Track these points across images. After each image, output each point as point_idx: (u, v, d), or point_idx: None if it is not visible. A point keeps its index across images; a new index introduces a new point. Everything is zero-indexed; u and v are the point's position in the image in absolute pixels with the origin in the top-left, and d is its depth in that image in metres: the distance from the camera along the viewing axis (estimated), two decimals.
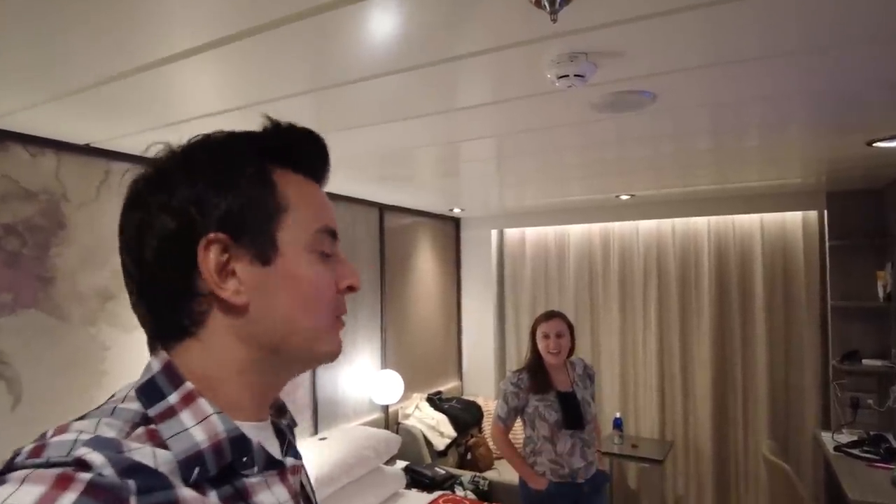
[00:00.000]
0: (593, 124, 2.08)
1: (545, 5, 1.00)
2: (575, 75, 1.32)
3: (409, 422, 3.96)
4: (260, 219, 0.57)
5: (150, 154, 0.59)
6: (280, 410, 0.68)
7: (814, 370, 3.84)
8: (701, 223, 4.24)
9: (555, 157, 2.75)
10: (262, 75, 1.53)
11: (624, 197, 3.97)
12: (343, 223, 3.66)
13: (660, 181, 3.42)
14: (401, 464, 3.53)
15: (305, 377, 3.31)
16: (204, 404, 0.54)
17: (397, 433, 3.65)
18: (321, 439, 3.10)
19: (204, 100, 1.73)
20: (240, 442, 0.54)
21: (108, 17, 1.18)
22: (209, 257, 0.55)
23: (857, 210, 3.58)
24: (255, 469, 0.55)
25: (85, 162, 2.20)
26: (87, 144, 2.17)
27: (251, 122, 0.61)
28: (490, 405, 4.45)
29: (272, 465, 0.58)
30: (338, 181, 3.19)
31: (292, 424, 0.70)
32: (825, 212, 3.71)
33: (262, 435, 0.60)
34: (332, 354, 0.62)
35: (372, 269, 3.96)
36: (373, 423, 3.73)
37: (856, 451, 3.08)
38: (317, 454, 2.83)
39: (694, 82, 1.65)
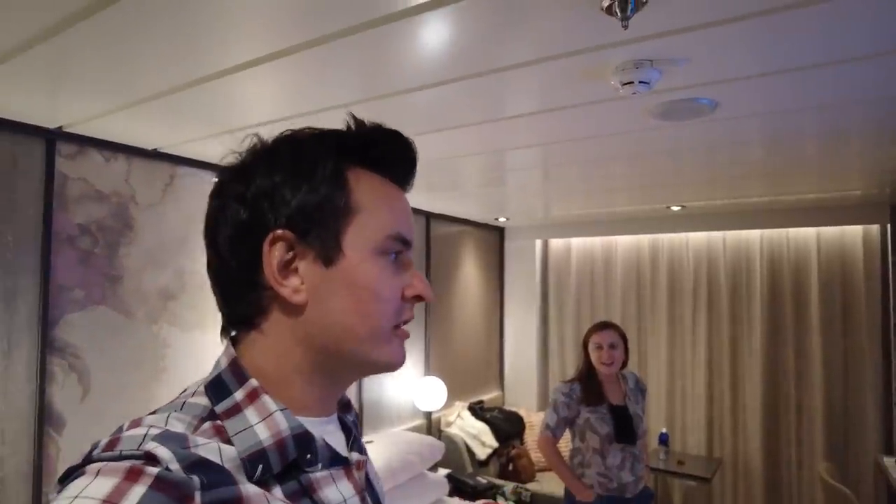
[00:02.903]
0: (647, 133, 2.06)
1: (616, 12, 1.00)
2: (640, 82, 1.31)
3: (451, 430, 3.96)
4: (328, 218, 0.56)
5: (243, 147, 0.61)
6: (346, 406, 0.69)
7: (875, 391, 3.67)
8: (753, 236, 4.12)
9: (604, 167, 2.73)
10: (317, 86, 1.59)
11: (674, 208, 3.89)
12: None
13: (713, 192, 3.34)
14: (443, 471, 3.53)
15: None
16: (268, 401, 0.54)
17: (440, 440, 3.66)
18: (367, 442, 3.14)
19: (261, 109, 1.80)
20: (303, 438, 0.54)
21: (175, 33, 1.25)
22: (273, 253, 0.55)
23: None
24: (320, 465, 0.56)
25: (152, 166, 2.30)
26: (155, 149, 2.27)
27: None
28: (532, 417, 4.41)
29: (337, 460, 0.59)
30: None
31: (357, 421, 0.70)
32: (888, 226, 3.55)
33: (327, 430, 0.60)
34: (391, 365, 0.60)
35: None
36: (415, 429, 3.75)
37: None
38: None
39: (755, 90, 1.63)
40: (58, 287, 2.00)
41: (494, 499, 3.43)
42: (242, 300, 0.58)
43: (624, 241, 4.62)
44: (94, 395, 2.09)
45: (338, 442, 0.62)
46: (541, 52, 1.36)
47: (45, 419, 1.95)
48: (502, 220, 4.65)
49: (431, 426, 3.90)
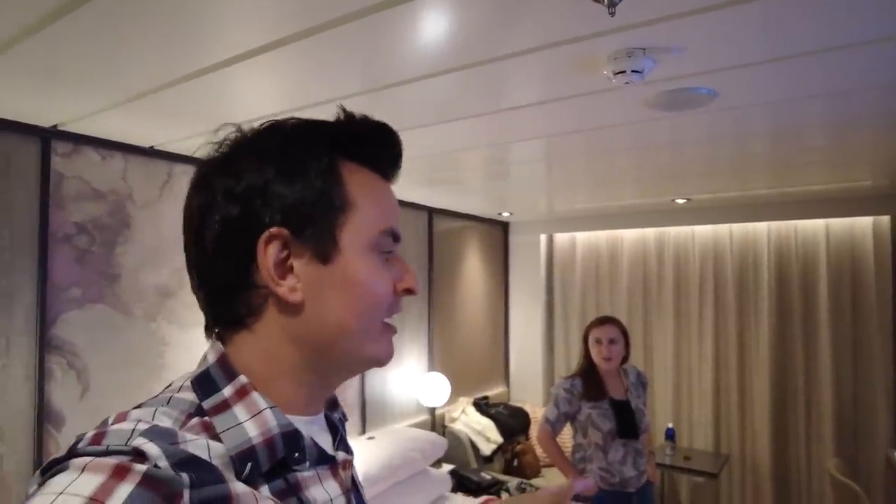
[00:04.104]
0: (649, 124, 2.02)
1: None
2: (632, 71, 1.28)
3: (456, 426, 3.94)
4: (324, 215, 0.55)
5: (220, 136, 0.58)
6: (333, 404, 0.68)
7: (886, 384, 3.61)
8: (760, 228, 4.06)
9: (607, 159, 2.70)
10: (315, 78, 1.56)
11: (679, 201, 3.85)
12: None
13: (717, 185, 3.29)
14: (447, 467, 3.53)
15: (355, 377, 3.35)
16: (257, 398, 0.53)
17: (444, 436, 3.65)
18: (369, 438, 3.13)
19: (260, 102, 1.79)
20: (292, 437, 0.54)
21: (169, 25, 1.23)
22: (269, 252, 0.53)
23: None
24: (307, 464, 0.55)
25: (149, 164, 2.30)
26: (152, 147, 2.26)
27: None
28: (537, 412, 4.38)
29: (324, 459, 0.58)
30: None
31: (344, 419, 0.69)
32: None
33: (314, 429, 0.59)
34: (382, 360, 0.61)
35: (420, 272, 3.97)
36: (419, 425, 3.74)
37: None
38: (364, 453, 2.85)
39: (757, 78, 1.59)
40: (55, 286, 2.00)
41: (498, 495, 3.41)
42: (232, 300, 0.56)
43: (629, 235, 4.58)
44: (94, 393, 2.10)
45: (324, 441, 0.61)
46: (536, 41, 1.33)
47: (44, 417, 1.95)
48: (506, 214, 4.62)
49: (435, 422, 3.89)
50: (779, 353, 3.95)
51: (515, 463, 3.96)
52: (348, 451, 0.66)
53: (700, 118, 1.92)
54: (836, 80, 1.60)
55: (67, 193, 2.05)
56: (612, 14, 0.99)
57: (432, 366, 4.01)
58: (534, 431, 4.25)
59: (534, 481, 3.74)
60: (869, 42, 1.34)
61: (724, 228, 4.18)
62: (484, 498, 3.21)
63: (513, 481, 3.61)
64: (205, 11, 1.17)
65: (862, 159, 2.67)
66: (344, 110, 0.60)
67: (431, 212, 4.06)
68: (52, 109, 1.83)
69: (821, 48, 1.37)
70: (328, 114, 0.61)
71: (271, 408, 0.53)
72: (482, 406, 4.21)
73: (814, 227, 3.88)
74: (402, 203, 3.75)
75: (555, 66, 1.48)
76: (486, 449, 3.88)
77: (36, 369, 1.94)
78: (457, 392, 4.12)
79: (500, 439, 3.98)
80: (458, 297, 4.39)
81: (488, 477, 3.56)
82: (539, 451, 4.04)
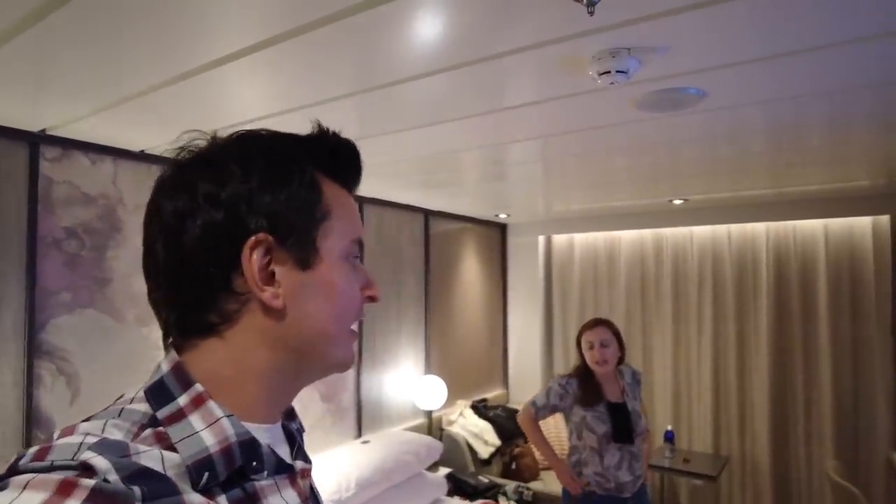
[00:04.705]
0: (641, 124, 2.01)
1: None
2: (617, 71, 1.27)
3: (453, 429, 3.93)
4: (306, 223, 0.57)
5: (183, 142, 0.58)
6: (290, 414, 0.67)
7: (885, 385, 3.58)
8: (759, 229, 4.04)
9: (603, 160, 2.68)
10: (307, 78, 1.55)
11: (677, 202, 3.83)
12: (388, 228, 3.69)
13: (714, 185, 3.28)
14: (444, 471, 3.51)
15: (350, 380, 3.33)
16: (213, 407, 0.53)
17: (441, 440, 3.63)
18: (364, 442, 3.12)
19: (250, 104, 1.77)
20: (250, 445, 0.53)
21: (156, 25, 1.22)
22: (254, 258, 0.54)
23: None
24: (265, 473, 0.55)
25: (139, 168, 2.29)
26: (142, 151, 2.26)
27: (296, 127, 0.62)
28: None
29: (282, 468, 0.57)
30: (383, 186, 3.21)
31: (301, 429, 0.69)
32: None
33: (272, 437, 0.59)
34: (347, 364, 0.63)
35: (416, 275, 3.96)
36: (416, 429, 3.72)
37: None
38: (358, 457, 2.84)
39: (745, 78, 1.57)
40: (44, 290, 1.99)
41: (495, 498, 3.39)
42: (206, 307, 0.55)
43: (627, 237, 4.56)
44: (84, 398, 2.09)
45: (283, 450, 0.61)
46: (524, 41, 1.32)
47: (32, 423, 1.95)
48: (503, 216, 4.61)
49: (432, 425, 3.87)
50: (778, 353, 3.92)
51: (513, 466, 3.94)
52: (307, 460, 0.65)
53: (692, 118, 1.91)
54: (827, 78, 1.58)
55: (57, 198, 2.04)
56: (591, 13, 0.97)
57: (429, 369, 3.99)
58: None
59: (532, 484, 3.72)
60: (859, 40, 1.32)
61: (722, 229, 4.16)
62: (480, 502, 3.19)
63: (510, 485, 3.59)
64: (194, 10, 1.16)
65: (857, 158, 2.65)
66: (319, 125, 0.62)
67: (428, 214, 4.05)
68: (40, 114, 1.82)
69: (810, 46, 1.35)
70: (320, 116, 0.62)
71: (228, 416, 0.53)
72: (480, 408, 4.19)
73: (812, 227, 3.86)
74: (398, 205, 3.74)
75: (545, 66, 1.47)
76: (484, 452, 3.86)
77: (24, 375, 1.93)
78: (455, 394, 4.10)
79: (497, 442, 3.96)
80: (456, 300, 4.38)
81: (485, 480, 3.54)
82: (538, 454, 4.02)
